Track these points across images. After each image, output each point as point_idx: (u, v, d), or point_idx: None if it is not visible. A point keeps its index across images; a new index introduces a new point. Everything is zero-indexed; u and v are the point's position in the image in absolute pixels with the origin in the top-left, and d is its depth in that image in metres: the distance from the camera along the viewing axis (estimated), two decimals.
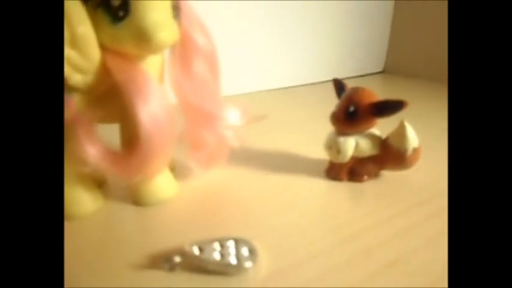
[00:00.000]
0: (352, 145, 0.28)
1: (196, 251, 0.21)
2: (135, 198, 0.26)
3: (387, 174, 0.30)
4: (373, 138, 0.28)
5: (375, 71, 0.74)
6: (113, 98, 0.22)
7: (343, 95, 0.28)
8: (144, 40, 0.20)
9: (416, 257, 0.22)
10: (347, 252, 0.23)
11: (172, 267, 0.20)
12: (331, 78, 0.67)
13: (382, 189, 0.29)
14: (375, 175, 0.30)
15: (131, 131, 0.23)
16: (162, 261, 0.21)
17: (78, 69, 0.20)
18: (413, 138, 0.27)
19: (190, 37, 0.25)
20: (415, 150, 0.27)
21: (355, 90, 0.27)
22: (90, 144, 0.22)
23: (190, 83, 0.26)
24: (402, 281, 0.20)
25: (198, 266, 0.20)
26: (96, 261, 0.21)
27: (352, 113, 0.27)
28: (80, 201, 0.25)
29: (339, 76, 0.71)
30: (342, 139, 0.28)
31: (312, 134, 0.39)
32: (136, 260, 0.21)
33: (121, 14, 0.20)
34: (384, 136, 0.29)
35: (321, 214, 0.26)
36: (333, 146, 0.28)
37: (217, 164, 0.29)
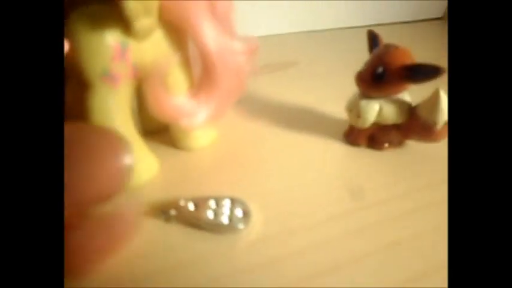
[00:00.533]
0: (375, 110, 0.25)
1: (191, 206, 0.21)
2: (177, 142, 0.27)
3: (412, 145, 0.28)
4: (401, 104, 0.25)
5: (433, 16, 0.65)
6: (165, 43, 0.22)
7: (373, 53, 0.25)
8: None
9: (415, 243, 0.21)
10: (346, 226, 0.22)
11: (168, 219, 0.21)
12: (381, 22, 0.60)
13: (403, 160, 0.27)
14: (398, 144, 0.27)
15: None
16: (159, 212, 0.21)
17: (146, 10, 0.19)
18: (446, 111, 0.23)
19: None
20: (447, 124, 0.24)
21: (387, 48, 0.24)
22: (167, 95, 0.22)
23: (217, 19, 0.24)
24: (394, 265, 0.19)
25: (191, 222, 0.21)
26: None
27: (380, 74, 0.23)
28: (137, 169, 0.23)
29: (392, 20, 0.63)
30: (364, 102, 0.25)
31: (342, 88, 0.36)
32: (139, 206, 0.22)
33: None
34: (414, 103, 0.26)
35: (329, 182, 0.25)
36: (353, 109, 0.26)
37: (237, 96, 0.27)
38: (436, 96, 0.23)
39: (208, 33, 0.21)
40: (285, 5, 0.53)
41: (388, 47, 0.24)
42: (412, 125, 0.25)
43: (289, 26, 0.55)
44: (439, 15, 0.65)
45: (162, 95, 0.21)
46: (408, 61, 0.23)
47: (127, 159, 0.17)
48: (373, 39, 0.26)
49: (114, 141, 0.17)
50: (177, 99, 0.22)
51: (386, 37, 0.61)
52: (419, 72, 0.22)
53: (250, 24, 0.51)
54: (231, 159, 0.27)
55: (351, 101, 0.26)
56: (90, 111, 0.21)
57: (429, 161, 0.27)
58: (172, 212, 0.21)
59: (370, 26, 0.62)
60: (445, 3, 0.65)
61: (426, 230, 0.22)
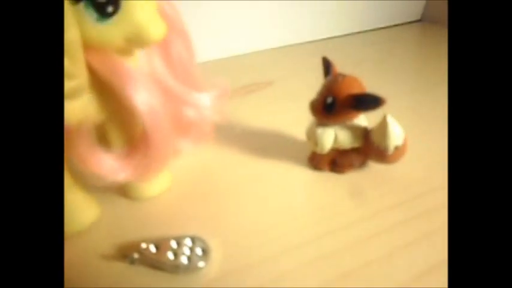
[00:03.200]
0: (331, 137, 0.26)
1: (152, 248, 0.22)
2: (129, 192, 0.26)
3: (374, 166, 0.28)
4: (355, 130, 0.26)
5: (411, 19, 0.65)
6: (98, 100, 0.22)
7: (324, 82, 0.25)
8: (138, 37, 0.19)
9: (383, 264, 0.21)
10: (309, 254, 0.22)
11: (132, 262, 0.22)
12: (360, 29, 0.61)
13: (365, 183, 0.27)
14: (359, 165, 0.28)
15: (129, 129, 0.23)
16: (122, 255, 0.22)
17: (70, 76, 0.19)
18: (396, 136, 0.24)
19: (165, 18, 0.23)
20: (397, 148, 0.25)
21: (335, 79, 0.25)
22: (98, 156, 0.21)
23: (171, 68, 0.24)
24: None
25: (153, 264, 0.22)
26: (68, 249, 0.23)
27: (329, 104, 0.24)
28: (79, 214, 0.24)
29: (371, 26, 0.64)
30: (320, 130, 0.26)
31: None
32: (104, 250, 0.23)
33: (110, 9, 0.19)
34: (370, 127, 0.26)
35: (294, 210, 0.26)
36: (311, 137, 0.27)
37: (204, 140, 0.28)
38: (384, 123, 0.24)
39: (138, 95, 0.21)
40: (260, 20, 0.53)
41: (336, 76, 0.25)
42: (368, 148, 0.26)
43: (267, 41, 0.56)
44: (417, 18, 0.66)
45: (85, 150, 0.21)
46: (355, 90, 0.24)
47: None
48: (326, 68, 0.26)
49: None
50: (101, 155, 0.22)
51: (366, 44, 0.62)
52: (362, 103, 0.23)
53: (223, 43, 0.52)
54: (192, 193, 0.27)
55: (309, 128, 0.27)
56: None
57: (390, 182, 0.27)
58: (136, 255, 0.22)
59: (349, 34, 0.62)
60: (422, 6, 0.65)
61: (392, 251, 0.22)
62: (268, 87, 0.44)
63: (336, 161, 0.27)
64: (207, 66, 0.48)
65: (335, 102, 0.24)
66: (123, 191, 0.27)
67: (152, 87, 0.21)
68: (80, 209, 0.24)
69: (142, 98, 0.21)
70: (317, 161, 0.28)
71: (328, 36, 0.60)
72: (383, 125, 0.24)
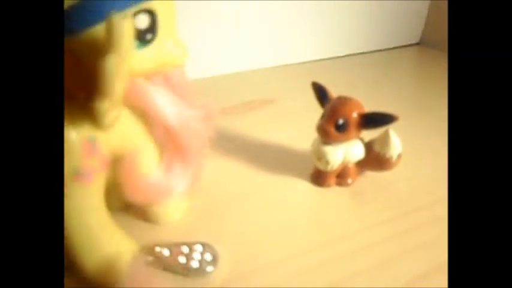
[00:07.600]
0: (341, 155, 0.28)
1: (166, 252, 0.24)
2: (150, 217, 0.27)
3: (374, 181, 0.31)
4: (358, 143, 0.29)
5: (409, 42, 0.68)
6: (131, 126, 0.23)
7: (329, 107, 0.28)
8: (169, 61, 0.21)
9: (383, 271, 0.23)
10: (309, 262, 0.24)
11: (147, 264, 0.24)
12: (359, 50, 0.64)
13: (365, 196, 0.30)
14: (356, 176, 0.31)
15: (163, 145, 0.24)
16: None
17: (114, 104, 0.19)
18: (398, 145, 0.28)
19: None
20: (399, 156, 0.28)
21: (343, 102, 0.27)
22: (141, 177, 0.22)
23: (171, 89, 0.24)
24: None
25: (166, 267, 0.23)
26: None
27: (341, 125, 0.27)
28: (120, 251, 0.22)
29: (369, 47, 0.66)
30: (329, 150, 0.28)
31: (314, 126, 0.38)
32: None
33: (149, 37, 0.19)
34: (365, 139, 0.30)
35: (295, 220, 0.28)
36: (322, 158, 0.29)
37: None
38: (386, 134, 0.28)
39: (167, 110, 0.22)
40: (262, 39, 0.56)
41: (342, 100, 0.27)
42: (368, 158, 0.29)
43: (268, 60, 0.58)
44: (415, 41, 0.69)
45: (137, 178, 0.22)
46: (362, 110, 0.27)
47: None
48: (320, 92, 0.29)
49: None
50: (152, 178, 0.23)
51: (364, 66, 0.64)
52: (376, 120, 0.26)
53: (227, 60, 0.55)
54: (201, 204, 0.28)
55: (315, 150, 0.29)
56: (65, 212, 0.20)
57: (386, 197, 0.30)
58: (149, 258, 0.24)
59: (347, 55, 0.65)
60: (420, 29, 0.68)
61: (387, 260, 0.25)
62: (270, 105, 0.46)
63: (339, 174, 0.30)
64: (210, 82, 0.50)
65: (347, 122, 0.27)
66: (143, 215, 0.27)
67: (175, 102, 0.23)
68: (117, 250, 0.22)
69: (171, 112, 0.22)
70: (323, 178, 0.30)
71: (328, 56, 0.62)
72: (386, 137, 0.28)
